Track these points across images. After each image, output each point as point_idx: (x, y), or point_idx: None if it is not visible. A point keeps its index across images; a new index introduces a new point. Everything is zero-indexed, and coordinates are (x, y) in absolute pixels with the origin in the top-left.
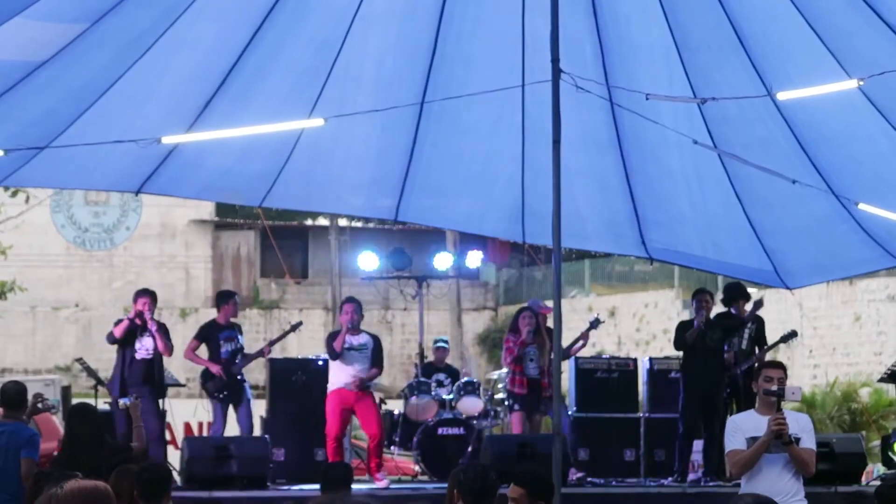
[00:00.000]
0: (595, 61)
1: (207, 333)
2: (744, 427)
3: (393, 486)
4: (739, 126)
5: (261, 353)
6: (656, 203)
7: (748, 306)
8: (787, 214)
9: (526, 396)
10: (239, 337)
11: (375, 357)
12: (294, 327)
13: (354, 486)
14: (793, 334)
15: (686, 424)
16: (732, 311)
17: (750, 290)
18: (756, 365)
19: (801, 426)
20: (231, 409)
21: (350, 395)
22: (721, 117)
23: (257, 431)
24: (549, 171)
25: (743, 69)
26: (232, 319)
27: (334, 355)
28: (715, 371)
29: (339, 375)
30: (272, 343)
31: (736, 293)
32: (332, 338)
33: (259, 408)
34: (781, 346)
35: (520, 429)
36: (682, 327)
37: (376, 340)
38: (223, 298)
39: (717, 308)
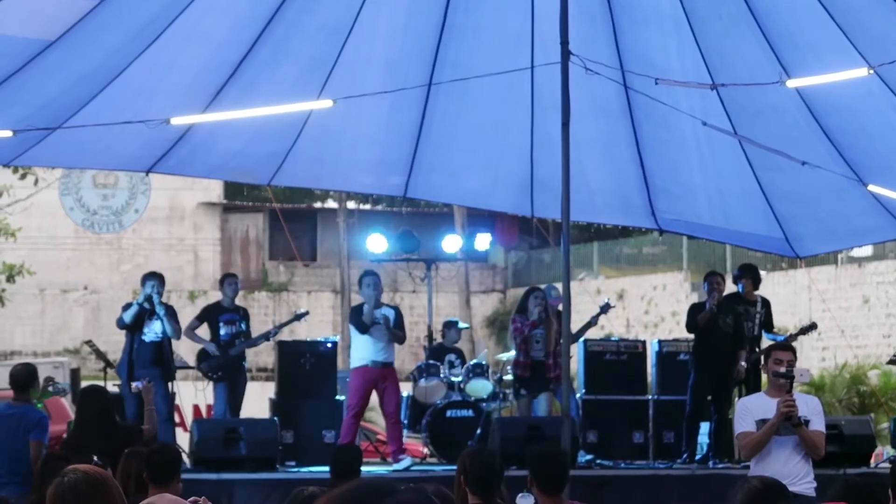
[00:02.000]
0: (607, 35)
1: (209, 315)
2: (753, 409)
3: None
4: (751, 93)
5: (264, 338)
6: (667, 171)
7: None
8: (798, 178)
9: (529, 379)
10: (240, 321)
11: (398, 325)
12: (299, 316)
13: (371, 469)
14: (812, 326)
15: (694, 406)
16: (740, 290)
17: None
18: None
19: (810, 408)
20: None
21: (374, 372)
22: (733, 86)
23: (264, 413)
24: (558, 142)
25: (754, 39)
26: (237, 303)
27: (363, 328)
28: (725, 354)
29: (363, 352)
30: (277, 329)
31: (747, 271)
32: (357, 311)
33: (268, 390)
34: (789, 328)
35: (527, 414)
36: (694, 309)
37: (397, 311)
38: (222, 280)
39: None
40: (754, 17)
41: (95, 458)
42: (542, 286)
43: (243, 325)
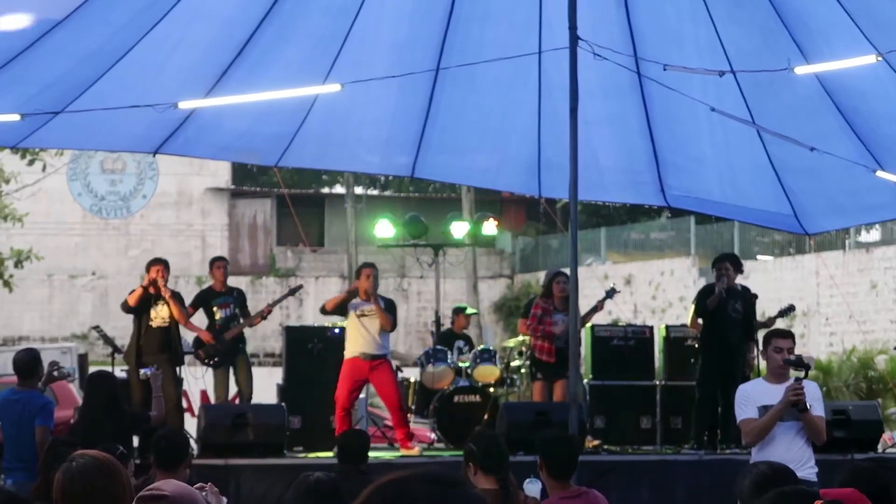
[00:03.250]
0: (620, 17)
1: (203, 300)
2: (755, 396)
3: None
4: (763, 60)
5: (260, 316)
6: (677, 144)
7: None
8: (808, 154)
9: (554, 365)
10: (234, 304)
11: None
12: (293, 290)
13: (378, 454)
14: (790, 308)
15: (703, 392)
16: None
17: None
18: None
19: (811, 394)
20: (231, 374)
21: (364, 364)
22: (746, 49)
23: (271, 398)
24: (565, 122)
25: (769, 18)
26: (231, 285)
27: (323, 311)
28: (734, 340)
29: (353, 344)
30: (271, 306)
31: (724, 257)
32: (350, 295)
33: (275, 375)
34: (798, 314)
35: (541, 398)
36: (704, 293)
37: (389, 302)
38: (210, 264)
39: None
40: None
41: (121, 447)
42: (542, 273)
43: (233, 308)
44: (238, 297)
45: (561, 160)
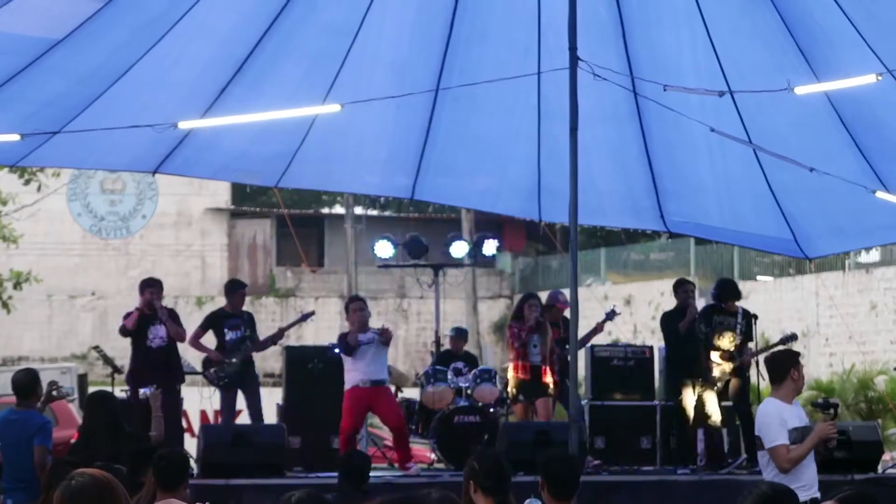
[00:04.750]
0: (616, 40)
1: (213, 322)
2: (783, 418)
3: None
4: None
5: (272, 341)
6: (676, 173)
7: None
8: (809, 175)
9: (528, 382)
10: (245, 326)
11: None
12: (306, 316)
13: (378, 473)
14: (793, 337)
15: (673, 413)
16: (721, 305)
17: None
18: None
19: (800, 417)
20: (241, 396)
21: (364, 392)
22: (749, 65)
23: (270, 418)
24: (565, 149)
25: (769, 31)
26: (243, 308)
27: (349, 350)
28: (701, 360)
29: (353, 373)
30: (283, 331)
31: (728, 293)
32: (342, 338)
33: (275, 396)
34: (798, 334)
35: (525, 418)
36: (670, 317)
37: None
38: (231, 289)
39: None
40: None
41: (124, 469)
42: (544, 293)
43: (244, 330)
44: (248, 320)
45: (561, 186)
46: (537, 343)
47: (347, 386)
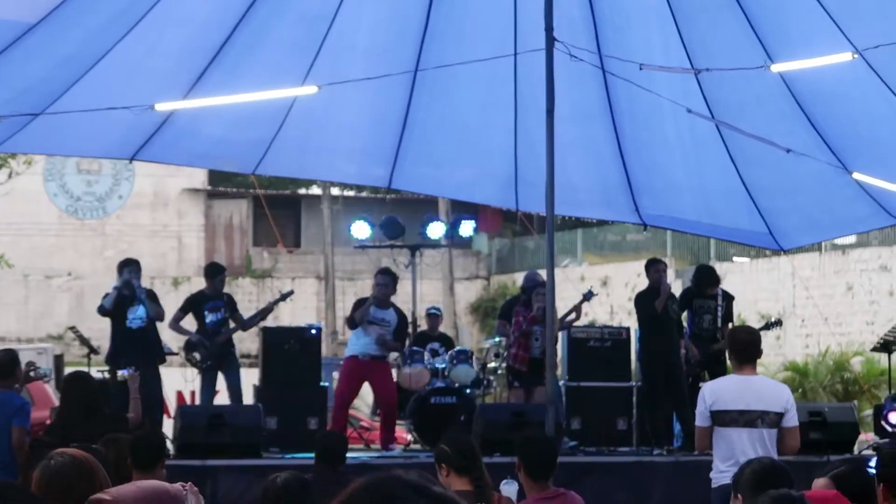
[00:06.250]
0: (587, 32)
1: (193, 304)
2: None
3: (390, 454)
4: (736, 87)
5: (260, 317)
6: (649, 170)
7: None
8: (782, 172)
9: (527, 374)
10: (225, 308)
11: (398, 334)
12: (285, 296)
13: (356, 455)
14: (777, 322)
15: (651, 393)
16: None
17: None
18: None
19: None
20: (221, 377)
21: (364, 363)
22: (717, 78)
23: (247, 399)
24: (540, 143)
25: (740, 31)
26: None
27: (351, 324)
28: (674, 341)
29: (357, 343)
30: (264, 314)
31: (707, 280)
32: (359, 304)
33: (251, 376)
34: (774, 315)
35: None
36: (644, 297)
37: (401, 317)
38: (212, 273)
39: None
40: (740, 5)
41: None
42: (520, 274)
43: (228, 312)
44: (228, 302)
45: (537, 179)
46: (539, 336)
47: (348, 353)
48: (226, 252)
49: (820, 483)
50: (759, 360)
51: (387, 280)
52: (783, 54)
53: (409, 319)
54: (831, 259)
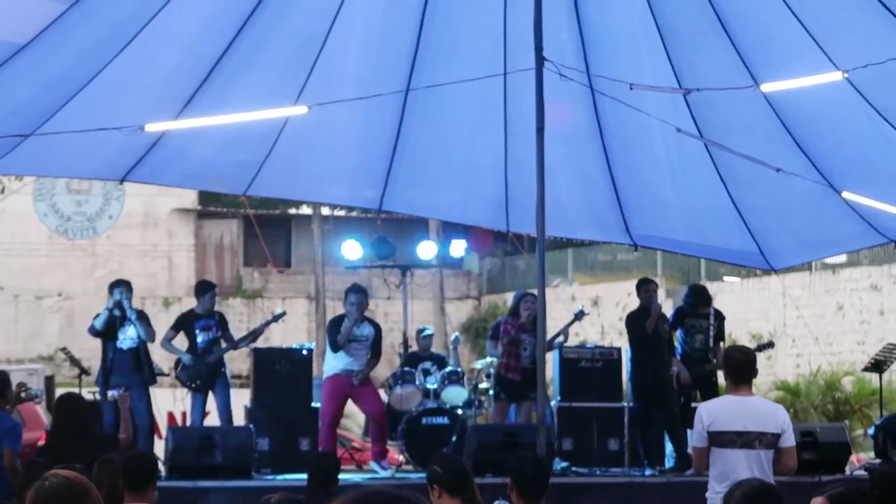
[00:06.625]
0: (577, 53)
1: (184, 323)
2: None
3: (382, 475)
4: (724, 109)
5: (244, 342)
6: (639, 191)
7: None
8: (772, 192)
9: (518, 384)
10: (217, 327)
11: (374, 347)
12: (277, 317)
13: (348, 476)
14: (769, 345)
15: (643, 415)
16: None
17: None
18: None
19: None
20: (211, 397)
21: (346, 381)
22: (705, 101)
23: (238, 420)
24: (530, 165)
25: (726, 54)
26: (214, 309)
27: (335, 348)
28: (665, 361)
29: (335, 360)
30: (256, 334)
31: (700, 300)
32: (335, 325)
33: (242, 397)
34: (764, 335)
35: (501, 418)
36: (636, 317)
37: (377, 330)
38: (202, 290)
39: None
40: (725, 29)
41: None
42: (533, 291)
43: (216, 331)
44: (220, 320)
45: (527, 201)
46: (528, 346)
47: (328, 373)
48: (216, 272)
49: (817, 502)
50: None
51: (360, 298)
52: (767, 76)
53: (401, 340)
54: (822, 279)
